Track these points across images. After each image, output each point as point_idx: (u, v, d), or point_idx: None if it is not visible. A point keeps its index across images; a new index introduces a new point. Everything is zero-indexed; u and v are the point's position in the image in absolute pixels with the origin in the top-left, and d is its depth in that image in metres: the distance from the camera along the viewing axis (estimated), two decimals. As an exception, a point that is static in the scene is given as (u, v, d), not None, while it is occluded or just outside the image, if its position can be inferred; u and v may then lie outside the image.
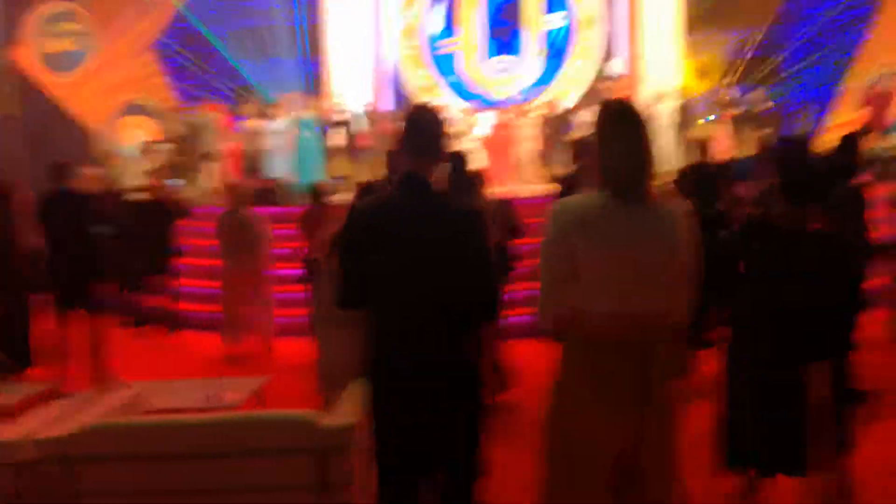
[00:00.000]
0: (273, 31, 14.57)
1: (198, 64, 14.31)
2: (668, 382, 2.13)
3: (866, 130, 10.79)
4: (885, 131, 10.54)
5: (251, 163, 11.40)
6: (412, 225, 2.39)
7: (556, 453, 2.21)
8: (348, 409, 3.08)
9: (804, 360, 2.59)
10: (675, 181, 5.92)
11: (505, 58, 14.61)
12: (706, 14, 14.96)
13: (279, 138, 11.39)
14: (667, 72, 14.50)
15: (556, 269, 2.13)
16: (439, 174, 2.50)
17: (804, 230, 2.67)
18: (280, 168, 11.30)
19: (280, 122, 11.52)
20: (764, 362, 2.66)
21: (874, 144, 9.80)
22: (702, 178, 5.87)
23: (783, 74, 14.65)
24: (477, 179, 4.96)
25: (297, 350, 6.19)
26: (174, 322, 8.11)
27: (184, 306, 8.25)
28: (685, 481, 2.31)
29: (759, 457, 2.77)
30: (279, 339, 7.02)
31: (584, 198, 2.18)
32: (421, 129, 2.50)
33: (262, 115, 11.74)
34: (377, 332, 2.48)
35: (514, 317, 5.26)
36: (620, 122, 2.14)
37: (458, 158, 4.60)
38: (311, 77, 14.30)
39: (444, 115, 2.65)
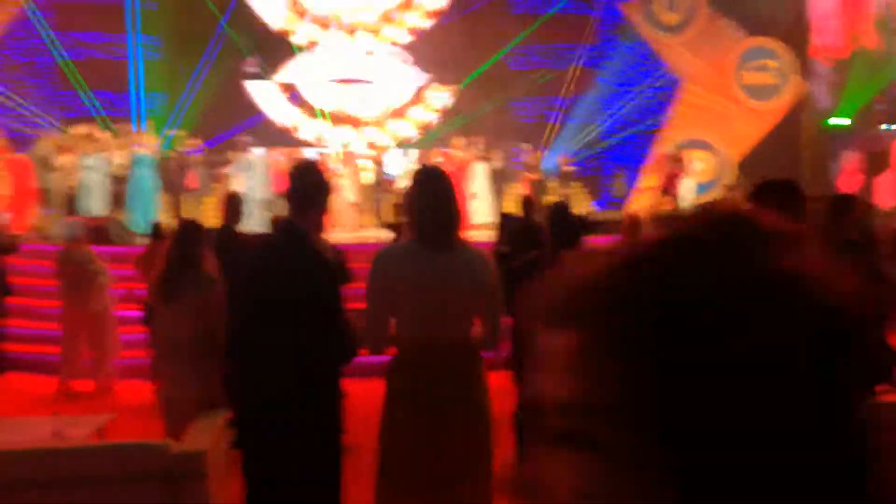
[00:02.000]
0: (107, 64, 14.28)
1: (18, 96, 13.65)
2: (476, 395, 2.60)
3: (664, 195, 12.28)
4: (677, 197, 12.01)
5: (63, 200, 10.96)
6: (279, 273, 2.71)
7: (385, 456, 2.61)
8: (199, 437, 3.31)
9: None
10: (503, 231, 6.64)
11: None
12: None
13: (93, 174, 11.00)
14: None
15: (377, 304, 2.57)
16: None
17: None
18: (96, 205, 10.90)
19: (93, 158, 11.12)
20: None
21: (670, 207, 11.15)
22: (519, 230, 6.60)
23: (603, 141, 16.28)
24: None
25: (139, 391, 6.18)
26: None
27: (10, 347, 7.84)
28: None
29: None
30: (121, 381, 6.94)
31: (401, 246, 2.68)
32: (302, 182, 2.84)
33: (65, 149, 11.27)
34: (240, 368, 2.76)
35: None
36: (429, 183, 2.63)
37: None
38: (143, 112, 14.12)
39: (324, 170, 3.03)
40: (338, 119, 15.09)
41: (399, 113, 15.69)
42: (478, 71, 15.67)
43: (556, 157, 14.94)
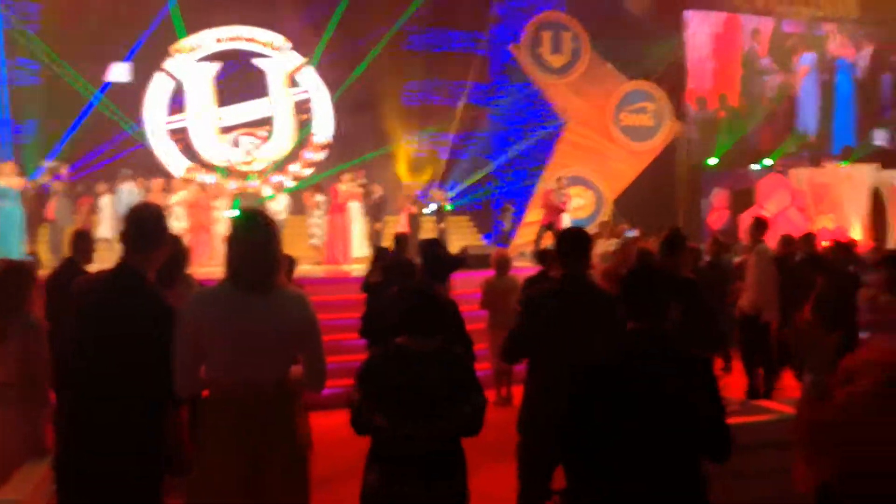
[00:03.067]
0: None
1: None
2: (289, 438, 2.61)
3: (546, 229, 12.66)
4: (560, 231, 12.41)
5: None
6: (108, 313, 2.66)
7: (193, 492, 2.59)
8: (20, 486, 3.19)
9: None
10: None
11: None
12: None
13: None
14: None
15: (188, 347, 2.56)
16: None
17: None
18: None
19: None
20: None
21: (552, 242, 11.49)
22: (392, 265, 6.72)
23: (493, 177, 16.69)
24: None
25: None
26: None
27: None
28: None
29: None
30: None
31: (214, 288, 2.67)
32: (139, 225, 2.80)
33: None
34: (66, 405, 2.69)
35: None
36: (244, 228, 2.66)
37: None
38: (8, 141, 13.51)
39: (160, 211, 2.99)
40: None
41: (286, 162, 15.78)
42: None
43: (431, 192, 15.20)
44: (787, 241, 7.63)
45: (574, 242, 3.61)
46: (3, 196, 10.31)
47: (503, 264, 7.49)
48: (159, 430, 2.75)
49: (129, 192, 11.90)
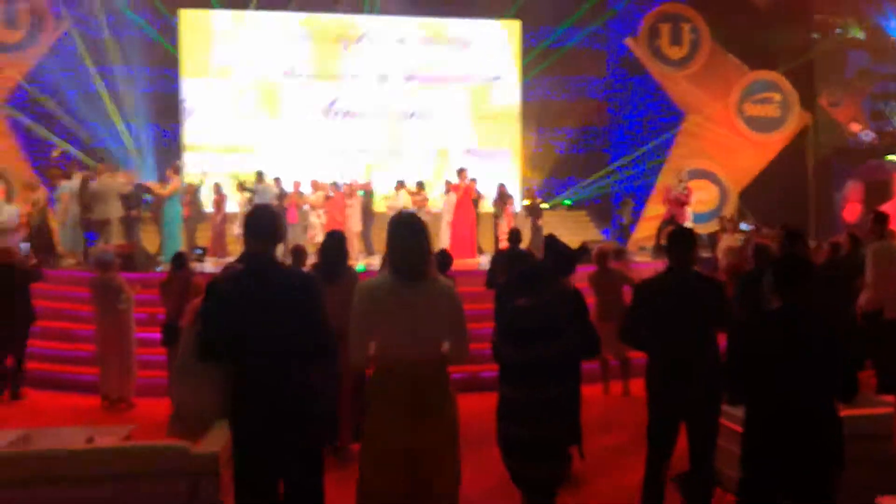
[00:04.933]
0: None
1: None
2: (444, 403, 3.06)
3: (668, 223, 12.62)
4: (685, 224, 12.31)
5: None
6: (258, 292, 3.12)
7: (366, 450, 3.06)
8: (213, 441, 3.77)
9: None
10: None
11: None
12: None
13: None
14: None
15: (361, 327, 3.04)
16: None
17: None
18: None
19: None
20: None
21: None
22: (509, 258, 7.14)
23: (610, 170, 16.74)
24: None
25: (156, 408, 6.62)
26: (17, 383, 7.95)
27: (33, 366, 8.28)
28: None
29: None
30: (139, 399, 7.42)
31: (379, 278, 3.16)
32: (259, 219, 3.28)
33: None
34: (236, 380, 3.17)
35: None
36: (400, 226, 3.15)
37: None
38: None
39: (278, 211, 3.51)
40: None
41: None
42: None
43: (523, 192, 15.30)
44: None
45: (677, 239, 4.05)
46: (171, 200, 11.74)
47: (603, 257, 7.75)
48: (317, 396, 3.25)
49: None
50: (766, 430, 3.17)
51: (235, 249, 11.46)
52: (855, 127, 16.93)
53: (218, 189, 13.23)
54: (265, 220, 3.26)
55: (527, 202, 14.20)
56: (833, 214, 16.01)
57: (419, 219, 3.25)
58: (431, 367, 3.05)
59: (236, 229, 12.17)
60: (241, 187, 12.91)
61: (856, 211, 15.76)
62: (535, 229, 13.01)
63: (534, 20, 16.49)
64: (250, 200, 12.24)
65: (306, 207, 12.92)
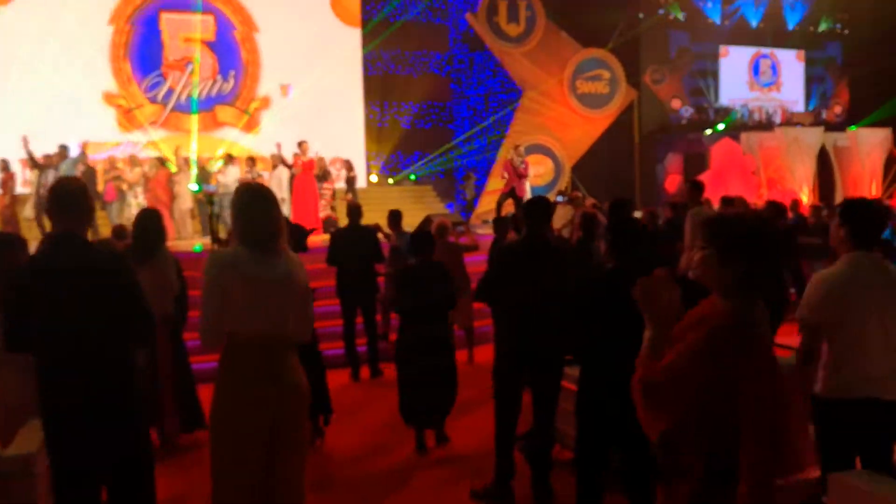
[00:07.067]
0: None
1: None
2: (297, 378, 3.01)
3: (507, 197, 13.01)
4: (522, 199, 12.74)
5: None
6: (63, 277, 2.95)
7: (220, 431, 2.94)
8: (25, 442, 3.52)
9: None
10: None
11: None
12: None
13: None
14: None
15: (213, 303, 2.88)
16: None
17: None
18: None
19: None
20: None
21: (513, 209, 11.84)
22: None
23: (453, 145, 16.98)
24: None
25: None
26: None
27: None
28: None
29: None
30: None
31: (230, 250, 3.02)
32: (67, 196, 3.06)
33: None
34: (44, 368, 2.98)
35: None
36: (250, 195, 3.02)
37: None
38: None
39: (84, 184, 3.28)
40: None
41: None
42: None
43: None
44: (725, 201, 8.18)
45: (535, 207, 4.29)
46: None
47: (442, 232, 7.93)
48: (136, 387, 3.13)
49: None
50: (597, 386, 3.44)
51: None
52: (676, 103, 18.22)
53: (5, 166, 11.63)
54: (75, 194, 3.06)
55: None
56: (656, 185, 17.18)
57: (269, 189, 3.12)
58: (283, 343, 2.98)
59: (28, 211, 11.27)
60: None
61: (676, 181, 17.02)
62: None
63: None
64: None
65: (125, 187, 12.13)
